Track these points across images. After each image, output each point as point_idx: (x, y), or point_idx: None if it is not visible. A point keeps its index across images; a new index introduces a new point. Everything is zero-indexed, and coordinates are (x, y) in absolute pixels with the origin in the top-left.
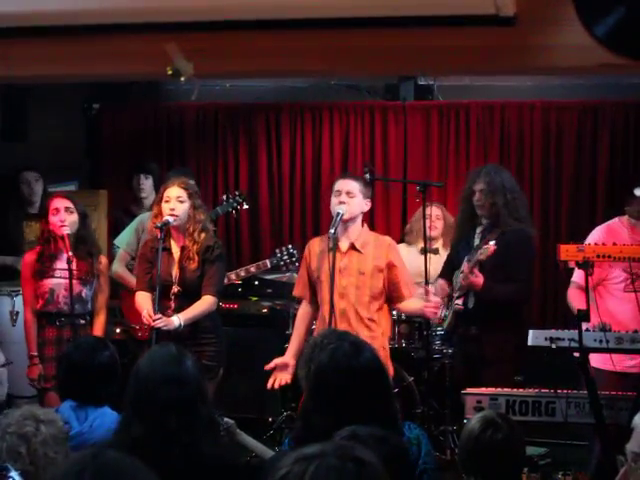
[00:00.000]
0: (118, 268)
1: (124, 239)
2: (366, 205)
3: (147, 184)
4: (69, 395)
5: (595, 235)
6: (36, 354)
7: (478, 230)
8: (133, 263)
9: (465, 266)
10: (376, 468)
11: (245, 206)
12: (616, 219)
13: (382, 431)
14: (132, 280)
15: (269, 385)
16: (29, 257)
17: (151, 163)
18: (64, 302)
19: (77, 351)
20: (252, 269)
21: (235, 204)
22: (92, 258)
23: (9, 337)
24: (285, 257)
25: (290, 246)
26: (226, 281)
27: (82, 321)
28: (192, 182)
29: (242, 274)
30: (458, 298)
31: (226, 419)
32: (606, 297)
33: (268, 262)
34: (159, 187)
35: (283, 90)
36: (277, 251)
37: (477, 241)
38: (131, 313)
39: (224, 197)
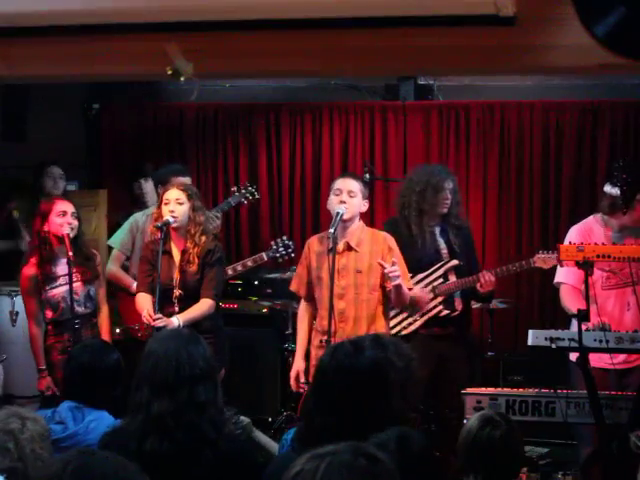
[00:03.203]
0: (113, 268)
1: (118, 239)
2: (364, 205)
3: (148, 187)
4: (71, 395)
5: (572, 234)
6: (44, 367)
7: (437, 230)
8: (127, 263)
9: (487, 275)
10: (388, 465)
11: (257, 196)
12: (591, 217)
13: (405, 432)
14: (128, 280)
15: (295, 389)
16: (28, 270)
17: (146, 164)
18: (77, 305)
19: (85, 352)
20: (249, 263)
21: (247, 194)
22: (90, 261)
23: (9, 337)
24: (281, 249)
25: (285, 238)
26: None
27: (94, 320)
28: (190, 184)
29: (239, 268)
30: (440, 303)
31: (242, 417)
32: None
33: (264, 255)
34: (157, 185)
35: (283, 90)
36: (273, 243)
37: (441, 241)
38: (128, 314)
39: (234, 189)
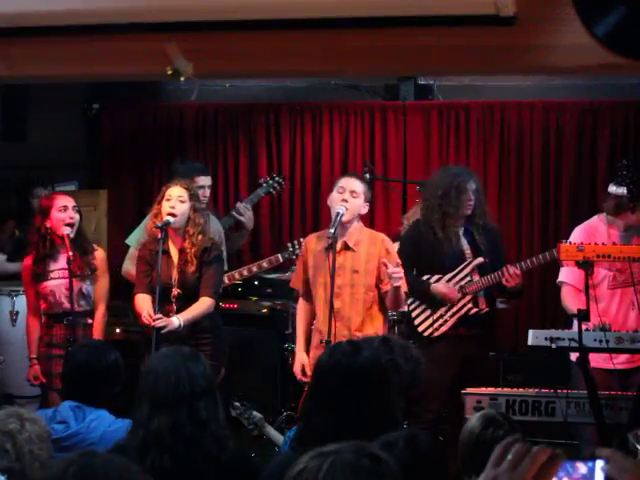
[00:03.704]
0: (129, 267)
1: (135, 238)
2: (365, 208)
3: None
4: (70, 395)
5: (576, 234)
6: (35, 356)
7: (461, 231)
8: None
9: (512, 268)
10: (391, 465)
11: (284, 186)
12: (595, 217)
13: (413, 431)
14: None
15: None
16: (27, 261)
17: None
18: (68, 301)
19: (82, 352)
20: (264, 264)
21: (275, 185)
22: (86, 255)
23: (9, 337)
24: (298, 251)
25: (302, 239)
26: (237, 276)
27: (89, 320)
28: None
29: (254, 269)
30: (468, 302)
31: (255, 412)
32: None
33: (280, 256)
34: None
35: (283, 90)
36: (289, 245)
37: (465, 242)
38: None
39: (262, 180)
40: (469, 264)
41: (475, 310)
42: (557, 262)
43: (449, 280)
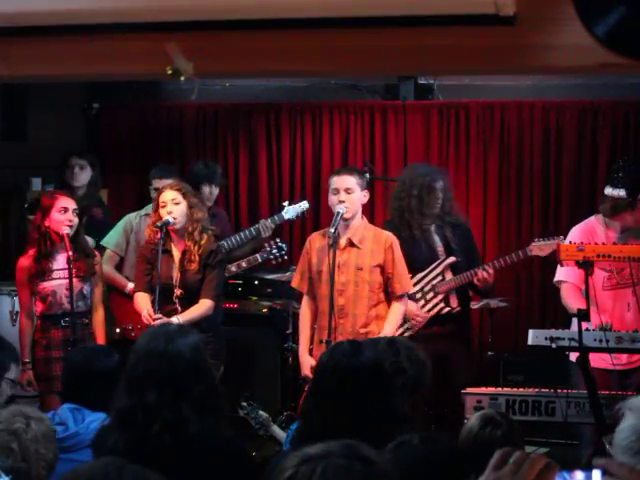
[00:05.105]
0: (106, 268)
1: (112, 240)
2: (364, 197)
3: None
4: (70, 398)
5: (574, 234)
6: (28, 360)
7: (432, 228)
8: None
9: (481, 272)
10: (383, 467)
11: (305, 215)
12: (593, 217)
13: (430, 433)
14: (121, 281)
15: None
16: (24, 261)
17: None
18: (67, 302)
19: (80, 355)
20: (243, 264)
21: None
22: (88, 257)
23: (9, 337)
24: (275, 251)
25: (278, 240)
26: None
27: (85, 320)
28: (184, 183)
29: (233, 269)
30: (441, 301)
31: (261, 412)
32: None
33: (259, 256)
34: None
35: (283, 90)
36: (266, 245)
37: (437, 240)
38: (121, 314)
39: (286, 203)
40: (441, 262)
41: (447, 309)
42: (539, 260)
43: (420, 280)
